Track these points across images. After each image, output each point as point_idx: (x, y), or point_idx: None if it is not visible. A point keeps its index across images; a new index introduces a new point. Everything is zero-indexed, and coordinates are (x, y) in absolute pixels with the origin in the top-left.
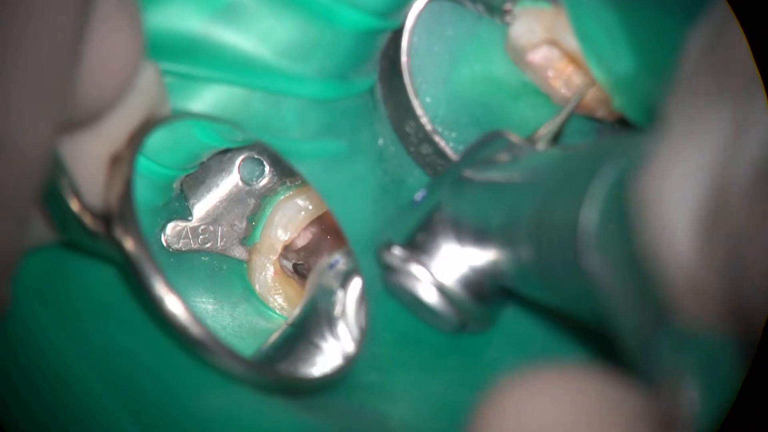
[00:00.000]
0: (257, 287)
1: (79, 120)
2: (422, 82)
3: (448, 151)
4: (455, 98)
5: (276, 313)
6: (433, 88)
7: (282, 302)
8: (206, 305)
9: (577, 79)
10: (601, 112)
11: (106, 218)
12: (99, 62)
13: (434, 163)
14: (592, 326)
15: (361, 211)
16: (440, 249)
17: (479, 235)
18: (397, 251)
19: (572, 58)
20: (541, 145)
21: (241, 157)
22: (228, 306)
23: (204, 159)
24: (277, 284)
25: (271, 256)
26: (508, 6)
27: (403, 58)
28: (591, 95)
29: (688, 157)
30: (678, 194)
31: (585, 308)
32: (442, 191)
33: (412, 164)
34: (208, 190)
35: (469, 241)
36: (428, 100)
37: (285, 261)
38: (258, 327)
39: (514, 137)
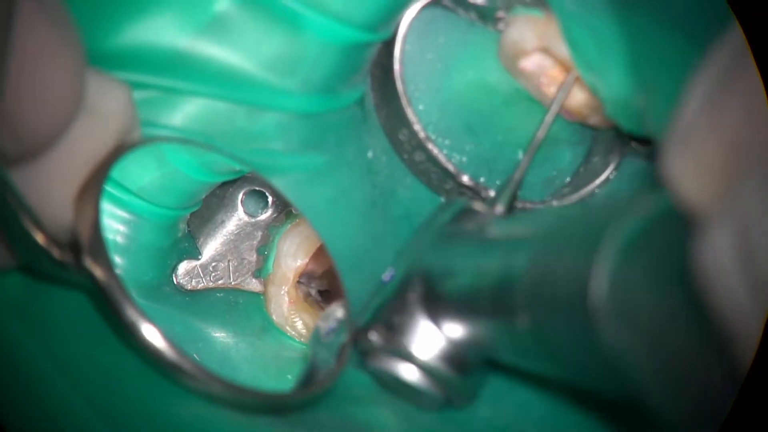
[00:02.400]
0: (275, 317)
1: (26, 152)
2: (415, 90)
3: (442, 158)
4: (448, 105)
5: (296, 341)
6: (426, 96)
7: (301, 329)
8: (227, 339)
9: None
10: (593, 120)
11: (75, 248)
12: (36, 92)
13: (428, 171)
14: (602, 394)
15: (346, 225)
16: (417, 327)
17: (459, 307)
18: (373, 336)
19: (564, 66)
20: (499, 209)
21: (242, 192)
22: (248, 338)
23: (203, 196)
24: (293, 312)
25: (285, 286)
26: (500, 14)
27: (396, 66)
28: (584, 102)
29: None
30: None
31: (597, 378)
32: (411, 265)
33: (405, 173)
34: (215, 227)
35: (447, 315)
36: (421, 107)
37: (309, 289)
38: (280, 356)
39: (477, 205)
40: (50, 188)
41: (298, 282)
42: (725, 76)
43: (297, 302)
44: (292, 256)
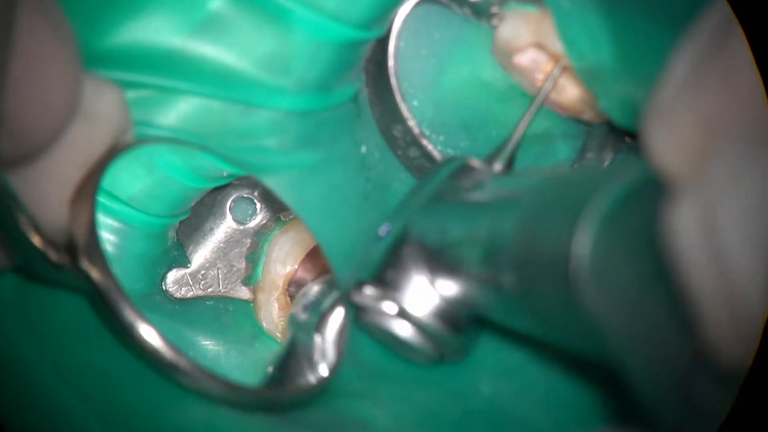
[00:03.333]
0: (265, 324)
1: (23, 155)
2: (409, 86)
3: (436, 154)
4: (443, 101)
5: None
6: (421, 92)
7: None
8: (217, 347)
9: (564, 82)
10: (588, 115)
11: (71, 250)
12: (33, 94)
13: (422, 167)
14: (584, 358)
15: (339, 221)
16: (411, 283)
17: (452, 265)
18: (368, 290)
19: (559, 61)
20: (497, 167)
21: (231, 198)
22: (239, 346)
23: (193, 203)
24: (283, 319)
25: (275, 292)
26: (494, 9)
27: (390, 62)
28: (578, 98)
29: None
30: (733, 224)
31: (578, 341)
32: (407, 221)
33: (399, 168)
34: (203, 235)
35: (441, 273)
36: (415, 103)
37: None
38: (271, 363)
39: (475, 162)
40: (46, 190)
41: (288, 289)
42: (709, 49)
43: (287, 309)
44: (282, 262)
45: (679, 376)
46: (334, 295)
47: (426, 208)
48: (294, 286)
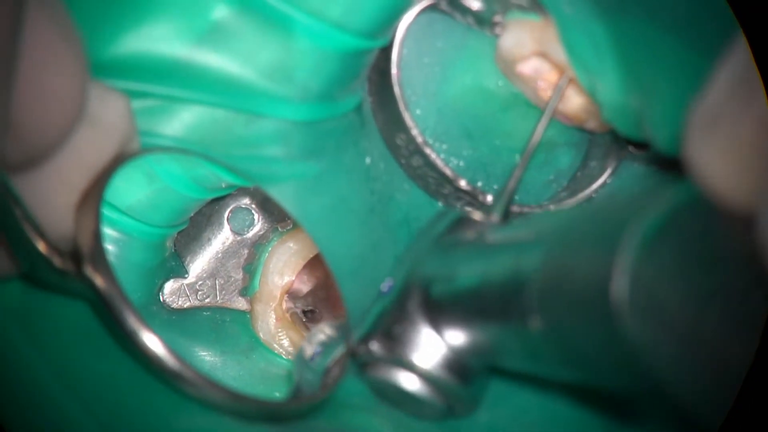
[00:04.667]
0: (261, 335)
1: (28, 159)
2: (412, 94)
3: (439, 162)
4: (446, 110)
5: (283, 358)
6: (424, 100)
7: (288, 346)
8: (214, 358)
9: (567, 91)
10: (591, 124)
11: (76, 257)
12: (40, 98)
13: (425, 175)
14: (618, 392)
15: (345, 234)
16: (418, 336)
17: (462, 313)
18: (374, 346)
19: (561, 70)
20: (495, 218)
21: (229, 209)
22: (236, 356)
23: (191, 213)
24: (280, 330)
25: (272, 303)
26: (497, 18)
27: (394, 71)
28: (581, 107)
29: None
30: None
31: (614, 376)
32: (410, 275)
33: (403, 178)
34: (201, 246)
35: (449, 323)
36: (419, 112)
37: (295, 309)
38: (268, 374)
39: (474, 214)
40: (51, 197)
41: (284, 300)
42: (747, 66)
43: (284, 320)
44: (279, 273)
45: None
46: (340, 348)
47: (429, 259)
48: (291, 298)
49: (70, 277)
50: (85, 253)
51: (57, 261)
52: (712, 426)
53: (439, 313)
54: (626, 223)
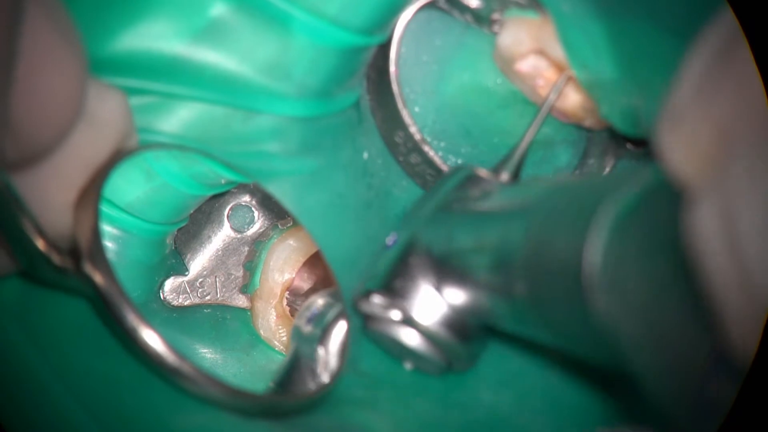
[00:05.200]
0: (262, 332)
1: (27, 157)
2: (411, 92)
3: (437, 160)
4: (444, 107)
5: (284, 355)
6: (422, 98)
7: (288, 344)
8: (215, 355)
9: (566, 88)
10: (589, 121)
11: (75, 254)
12: (39, 96)
13: (423, 173)
14: (595, 364)
15: (342, 228)
16: (419, 292)
17: (460, 274)
18: (375, 299)
19: (560, 68)
20: (505, 176)
21: (229, 206)
22: (236, 354)
23: (191, 210)
24: (281, 327)
25: (272, 300)
26: (495, 16)
27: (392, 68)
28: (579, 104)
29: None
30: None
31: (590, 348)
32: (415, 231)
33: (401, 174)
34: (201, 243)
35: (449, 281)
36: (417, 109)
37: (295, 306)
38: (269, 371)
39: (482, 171)
40: (50, 193)
41: (285, 297)
42: (720, 57)
43: (284, 317)
44: (279, 270)
45: (694, 377)
46: (338, 306)
47: (433, 217)
48: (291, 295)
49: (69, 274)
50: (83, 250)
51: (56, 258)
52: (677, 411)
53: (439, 271)
54: (601, 199)
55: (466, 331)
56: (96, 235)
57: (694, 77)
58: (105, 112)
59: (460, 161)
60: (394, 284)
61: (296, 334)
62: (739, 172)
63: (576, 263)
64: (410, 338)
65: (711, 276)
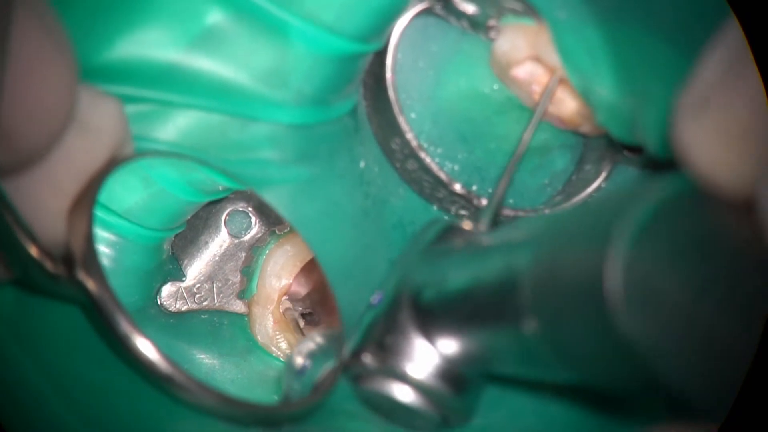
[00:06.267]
0: (259, 338)
1: (17, 162)
2: (407, 98)
3: (434, 166)
4: (440, 114)
5: (281, 361)
6: (419, 104)
7: (286, 349)
8: (212, 361)
9: (562, 95)
10: (585, 128)
11: (68, 261)
12: (28, 101)
13: (420, 179)
14: (612, 390)
15: (338, 238)
16: (411, 346)
17: (452, 321)
18: (366, 358)
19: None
20: (482, 227)
21: (226, 212)
22: (233, 359)
23: (188, 216)
24: (278, 333)
25: (270, 306)
26: (492, 22)
27: (388, 75)
28: (575, 110)
29: None
30: None
31: (612, 373)
32: (400, 285)
33: (398, 182)
34: (198, 249)
35: (441, 332)
36: (413, 116)
37: (293, 312)
38: (266, 377)
39: (463, 223)
40: (42, 200)
41: (282, 303)
42: (740, 49)
43: (281, 322)
44: (277, 276)
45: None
46: (332, 359)
47: (419, 269)
48: (289, 300)
49: (63, 281)
50: (77, 257)
51: (49, 265)
52: (718, 414)
53: (430, 322)
54: (617, 216)
55: (460, 383)
56: (89, 243)
57: (718, 60)
58: (99, 119)
59: (456, 167)
60: (384, 341)
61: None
62: None
63: (596, 284)
64: (404, 394)
65: None
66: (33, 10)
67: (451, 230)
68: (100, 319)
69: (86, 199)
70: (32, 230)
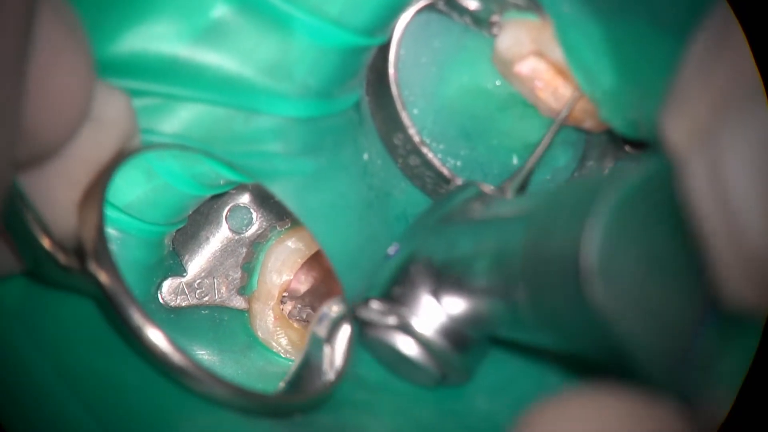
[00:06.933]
0: (260, 334)
1: (35, 155)
2: (410, 94)
3: (436, 162)
4: (443, 110)
5: (282, 357)
6: (421, 100)
7: (286, 345)
8: (212, 357)
9: (565, 91)
10: (588, 123)
11: (79, 253)
12: (48, 94)
13: (422, 175)
14: (596, 361)
15: (343, 229)
16: (418, 300)
17: (460, 282)
18: (374, 305)
19: (559, 70)
20: (509, 194)
21: (227, 207)
22: (234, 355)
23: (190, 211)
24: (278, 329)
25: (270, 302)
26: (495, 18)
27: (391, 70)
28: (578, 106)
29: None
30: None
31: (591, 344)
32: (416, 241)
33: (400, 176)
34: (199, 244)
35: (448, 290)
36: (416, 111)
37: (292, 309)
38: (266, 372)
39: (487, 187)
40: (56, 193)
41: (282, 299)
42: (717, 38)
43: (282, 318)
44: (277, 272)
45: (684, 342)
46: (344, 309)
47: (435, 228)
48: (288, 297)
49: (74, 273)
50: (88, 249)
51: (61, 257)
52: (665, 379)
53: (440, 281)
54: (596, 193)
55: (463, 342)
56: (101, 235)
57: (693, 60)
58: (109, 113)
59: (459, 163)
60: (393, 291)
61: (313, 339)
62: (727, 128)
63: (574, 256)
64: (407, 346)
65: (702, 225)
66: (53, 6)
67: (477, 195)
68: (112, 311)
69: (96, 191)
70: (45, 222)
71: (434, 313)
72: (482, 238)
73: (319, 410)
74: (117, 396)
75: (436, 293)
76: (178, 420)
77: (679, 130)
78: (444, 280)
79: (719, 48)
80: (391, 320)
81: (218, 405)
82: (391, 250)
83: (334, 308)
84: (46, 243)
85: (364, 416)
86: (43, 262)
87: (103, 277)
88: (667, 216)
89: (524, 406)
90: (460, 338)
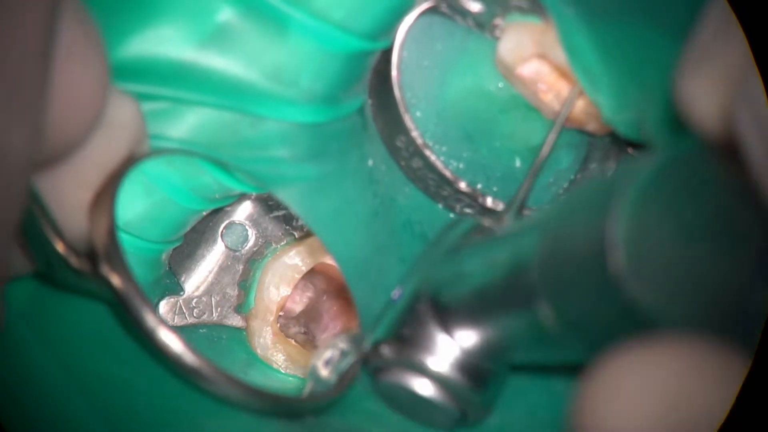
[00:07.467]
0: (259, 351)
1: (49, 157)
2: (412, 97)
3: (439, 165)
4: (446, 112)
5: (281, 373)
6: (424, 103)
7: (285, 361)
8: None
9: (567, 93)
10: (591, 126)
11: (92, 256)
12: (65, 96)
13: (425, 177)
14: None
15: (352, 235)
16: (430, 338)
17: (470, 313)
18: (385, 350)
19: (562, 72)
20: (508, 220)
21: (223, 224)
22: (233, 373)
23: (188, 228)
24: (277, 345)
25: (269, 317)
26: (497, 21)
27: (394, 73)
28: (581, 109)
29: None
30: None
31: (625, 337)
32: (419, 279)
33: (404, 181)
34: (196, 263)
35: (459, 323)
36: (419, 114)
37: (287, 330)
38: (266, 389)
39: (486, 221)
40: (68, 196)
41: (279, 319)
42: (726, 17)
43: (280, 335)
44: (275, 287)
45: (739, 302)
46: (355, 354)
47: (438, 266)
48: (284, 318)
49: (87, 276)
50: (100, 252)
51: (74, 260)
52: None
53: (449, 315)
54: (616, 185)
55: (480, 376)
56: (112, 238)
57: (709, 28)
58: (120, 117)
59: (461, 165)
60: (402, 333)
61: (313, 375)
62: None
63: (598, 252)
64: (423, 387)
65: (755, 162)
66: (73, 9)
67: (473, 230)
68: (125, 313)
69: (107, 194)
70: (58, 225)
71: (448, 348)
72: (492, 258)
73: (330, 413)
74: (125, 397)
75: (447, 328)
76: (186, 421)
77: (703, 87)
78: (454, 314)
79: (727, 24)
80: (405, 362)
81: (231, 406)
82: (395, 293)
83: (340, 345)
84: (59, 246)
85: (374, 422)
86: (55, 265)
87: (115, 279)
88: (701, 188)
89: (534, 416)
90: (477, 372)
